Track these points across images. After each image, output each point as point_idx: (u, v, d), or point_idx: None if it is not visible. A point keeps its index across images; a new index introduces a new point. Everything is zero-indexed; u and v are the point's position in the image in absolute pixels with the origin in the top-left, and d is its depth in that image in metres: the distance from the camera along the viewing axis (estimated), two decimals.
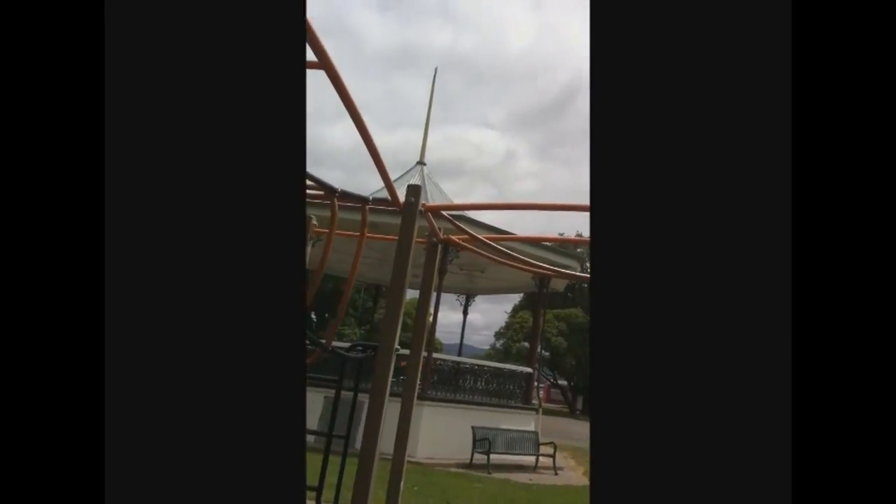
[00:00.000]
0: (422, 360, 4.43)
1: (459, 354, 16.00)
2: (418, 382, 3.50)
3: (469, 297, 17.58)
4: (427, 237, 4.20)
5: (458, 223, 4.44)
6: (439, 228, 4.37)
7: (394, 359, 3.38)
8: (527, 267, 4.92)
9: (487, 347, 43.46)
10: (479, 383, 12.44)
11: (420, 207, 3.34)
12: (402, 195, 3.44)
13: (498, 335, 40.01)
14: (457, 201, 11.31)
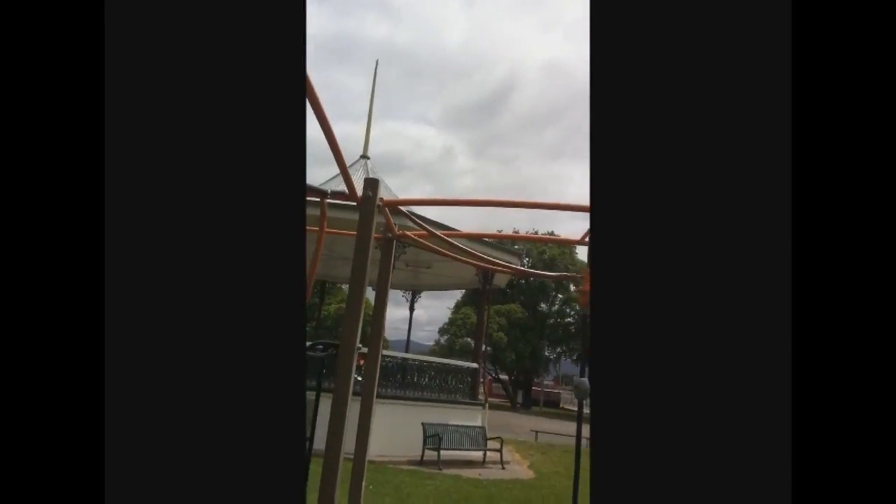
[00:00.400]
0: (380, 357, 4.37)
1: (407, 351, 15.93)
2: (371, 381, 3.43)
3: (415, 294, 17.53)
4: (382, 232, 4.14)
5: (414, 219, 4.39)
6: (395, 224, 4.31)
7: (356, 357, 3.30)
8: (484, 264, 4.92)
9: (432, 343, 43.58)
10: (425, 379, 12.43)
11: (378, 202, 3.28)
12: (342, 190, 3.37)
13: (442, 331, 40.17)
14: (401, 196, 11.23)
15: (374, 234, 3.22)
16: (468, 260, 5.29)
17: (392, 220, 4.11)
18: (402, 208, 4.16)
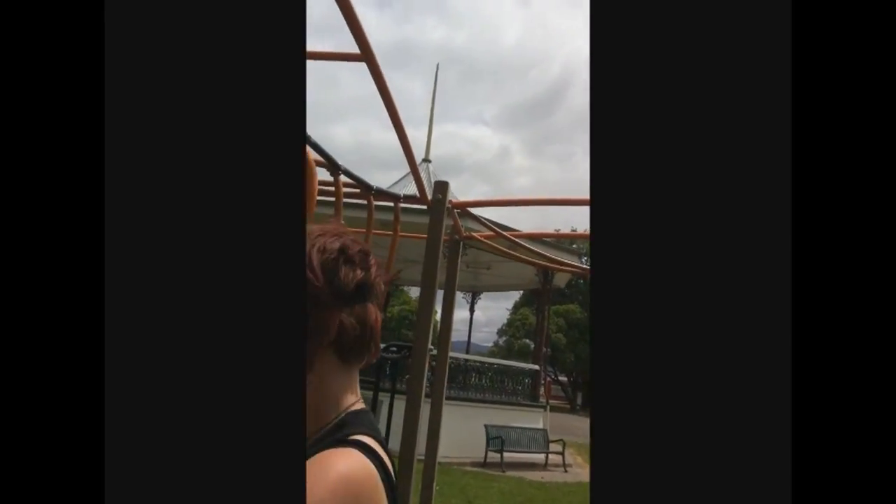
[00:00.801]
0: (448, 359, 4.39)
1: (467, 352, 15.98)
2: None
3: (474, 295, 17.55)
4: (449, 234, 4.15)
5: (483, 221, 4.39)
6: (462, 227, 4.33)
7: (428, 358, 3.32)
8: (547, 264, 4.88)
9: (491, 345, 43.54)
10: (485, 381, 12.42)
11: (447, 204, 3.29)
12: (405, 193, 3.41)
13: (500, 332, 40.09)
14: (461, 197, 11.24)
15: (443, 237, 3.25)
16: (532, 260, 5.25)
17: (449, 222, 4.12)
18: (472, 210, 4.18)
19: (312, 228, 0.85)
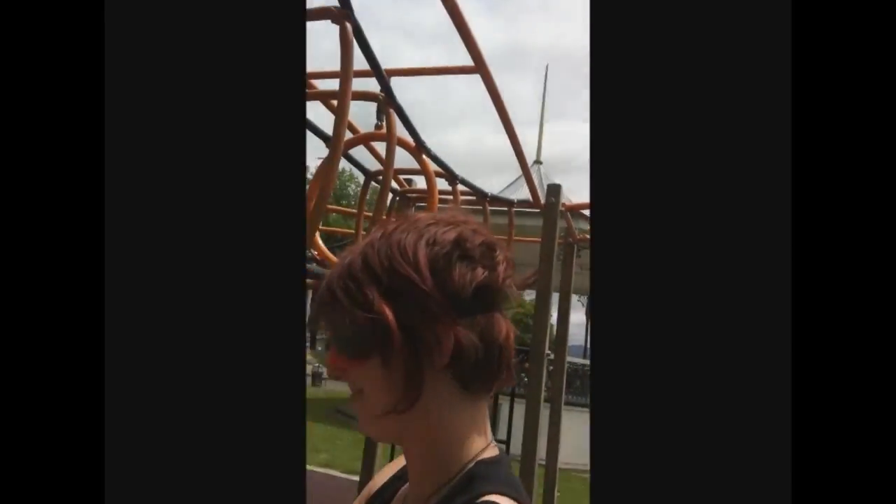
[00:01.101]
0: (566, 363, 4.36)
1: (585, 356, 15.65)
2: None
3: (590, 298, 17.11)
4: (563, 237, 4.12)
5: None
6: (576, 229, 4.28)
7: (546, 362, 3.32)
8: None
9: None
10: None
11: (560, 207, 3.27)
12: (517, 196, 3.42)
13: None
14: (574, 198, 10.97)
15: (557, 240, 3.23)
16: None
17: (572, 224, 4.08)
18: (585, 212, 4.12)
19: (422, 217, 0.67)
